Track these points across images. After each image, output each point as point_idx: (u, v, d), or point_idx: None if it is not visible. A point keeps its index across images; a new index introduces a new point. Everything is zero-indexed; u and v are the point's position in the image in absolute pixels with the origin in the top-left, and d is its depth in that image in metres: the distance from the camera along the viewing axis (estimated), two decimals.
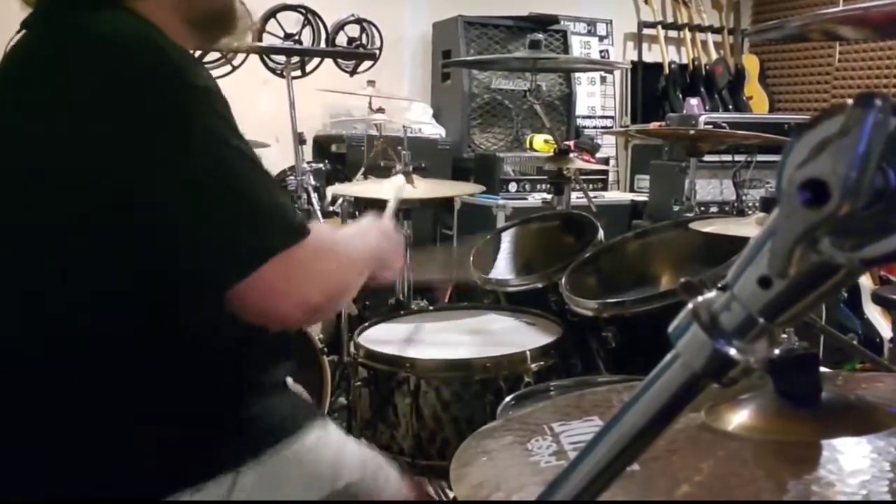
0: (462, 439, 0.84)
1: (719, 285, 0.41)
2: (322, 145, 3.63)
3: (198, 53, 1.07)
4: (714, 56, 4.79)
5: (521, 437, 0.80)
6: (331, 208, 2.81)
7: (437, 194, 2.55)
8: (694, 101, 4.59)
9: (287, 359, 1.09)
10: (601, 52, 4.41)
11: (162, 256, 0.85)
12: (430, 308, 2.07)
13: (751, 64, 4.81)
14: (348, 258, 1.00)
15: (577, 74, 4.13)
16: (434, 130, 3.75)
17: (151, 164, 0.82)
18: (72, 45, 0.88)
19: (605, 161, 3.86)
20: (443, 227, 3.62)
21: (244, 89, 3.15)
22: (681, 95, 4.61)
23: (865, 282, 2.95)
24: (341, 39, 3.39)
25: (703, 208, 3.03)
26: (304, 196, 2.61)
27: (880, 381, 0.86)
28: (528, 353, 1.49)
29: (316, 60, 3.04)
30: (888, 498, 0.58)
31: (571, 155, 2.30)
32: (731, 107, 4.65)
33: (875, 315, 2.96)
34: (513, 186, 3.49)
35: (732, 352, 0.39)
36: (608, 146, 4.32)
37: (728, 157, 2.71)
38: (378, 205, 1.61)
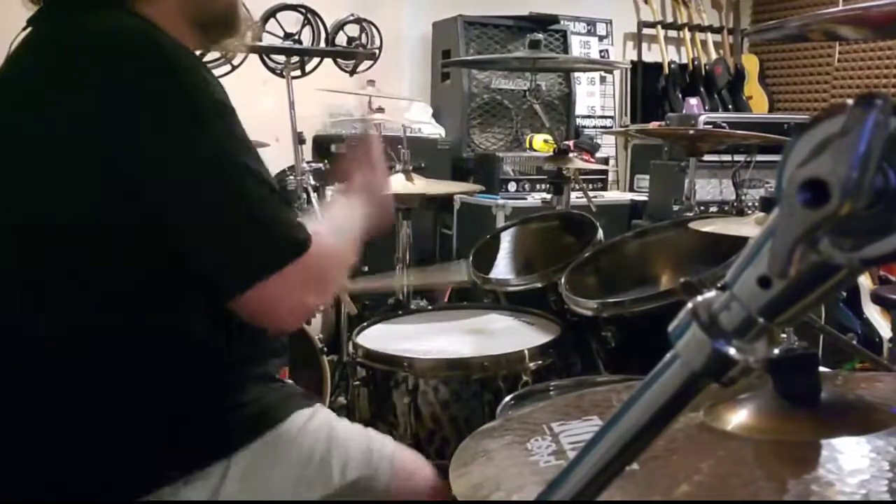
0: (461, 439, 0.84)
1: (719, 285, 0.41)
2: (322, 145, 3.63)
3: (198, 53, 1.07)
4: (714, 56, 4.79)
5: (520, 436, 0.80)
6: None
7: (437, 194, 2.55)
8: (693, 100, 4.59)
9: (280, 356, 1.10)
10: (601, 51, 4.41)
11: (166, 259, 0.86)
12: (430, 308, 2.07)
13: (750, 64, 4.81)
14: (344, 255, 1.02)
15: (576, 74, 4.13)
16: (433, 130, 3.75)
17: (156, 167, 0.83)
18: (76, 45, 0.88)
19: (605, 161, 3.86)
20: (442, 226, 3.62)
21: (244, 89, 3.14)
22: (680, 95, 4.61)
23: (865, 282, 2.95)
24: (341, 39, 3.39)
25: (702, 208, 3.03)
26: (304, 196, 2.60)
27: (879, 380, 0.86)
28: (526, 352, 1.48)
29: (315, 60, 3.04)
30: (887, 497, 0.58)
31: (571, 155, 2.30)
32: (730, 107, 4.65)
33: (874, 315, 2.97)
34: (512, 186, 3.49)
35: (732, 351, 0.39)
36: (608, 146, 4.31)
37: (728, 157, 2.71)
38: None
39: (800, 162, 0.36)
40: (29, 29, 0.94)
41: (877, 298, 2.78)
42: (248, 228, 0.86)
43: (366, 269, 2.37)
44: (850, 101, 0.35)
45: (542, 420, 0.83)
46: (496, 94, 3.81)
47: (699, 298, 0.41)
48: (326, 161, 3.31)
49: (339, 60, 3.27)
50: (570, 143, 3.36)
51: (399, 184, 2.10)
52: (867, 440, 0.65)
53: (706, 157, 2.45)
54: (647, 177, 3.71)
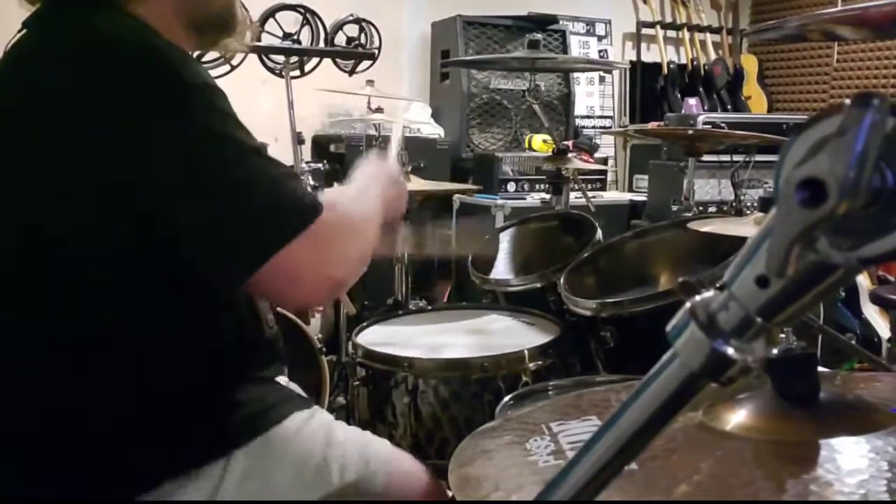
0: (460, 439, 0.84)
1: (717, 285, 0.41)
2: (321, 145, 3.63)
3: (196, 53, 1.07)
4: (713, 56, 4.80)
5: (519, 436, 0.80)
6: None
7: (436, 194, 2.55)
8: (692, 100, 4.59)
9: (279, 359, 1.10)
10: (600, 51, 4.41)
11: (170, 254, 0.85)
12: (429, 308, 2.07)
13: (749, 64, 4.81)
14: (363, 222, 0.99)
15: (575, 74, 4.13)
16: (433, 130, 3.75)
17: (153, 162, 0.83)
18: (70, 45, 0.88)
19: (604, 161, 3.86)
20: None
21: (243, 89, 3.14)
22: (679, 95, 4.61)
23: (863, 282, 2.95)
24: (340, 39, 3.38)
25: (701, 208, 3.03)
26: None
27: (878, 380, 0.86)
28: (526, 352, 1.49)
29: (315, 60, 3.04)
30: (886, 497, 0.58)
31: (570, 155, 2.30)
32: (729, 107, 4.65)
33: (873, 315, 2.97)
34: (511, 186, 3.49)
35: (730, 351, 0.39)
36: (607, 146, 4.31)
37: (726, 157, 2.71)
38: None
39: (797, 161, 0.36)
40: (24, 31, 0.93)
41: (875, 298, 2.78)
42: (252, 206, 0.84)
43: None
44: (847, 101, 0.35)
45: (541, 420, 0.83)
46: (495, 94, 3.81)
47: (697, 298, 0.41)
48: (325, 161, 3.31)
49: (338, 60, 3.27)
50: (569, 143, 3.35)
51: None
52: (866, 440, 0.65)
53: (705, 158, 2.46)
54: (646, 177, 3.71)
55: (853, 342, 1.87)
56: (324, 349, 2.25)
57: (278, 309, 1.73)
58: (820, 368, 0.72)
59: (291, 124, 2.58)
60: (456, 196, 3.42)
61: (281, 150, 3.03)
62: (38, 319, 0.88)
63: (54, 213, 0.85)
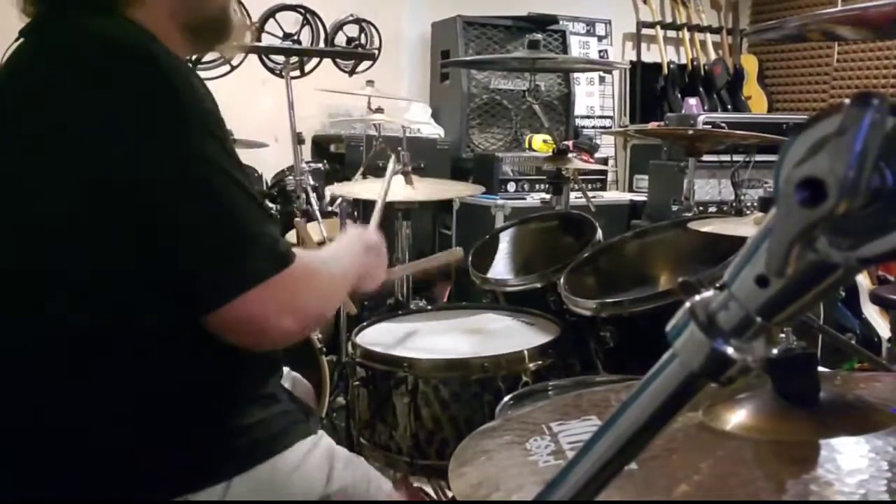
0: (460, 439, 0.84)
1: (717, 285, 0.41)
2: (321, 145, 3.63)
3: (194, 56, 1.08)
4: (713, 56, 4.80)
5: (519, 436, 0.80)
6: (329, 208, 2.80)
7: (436, 195, 2.55)
8: (692, 100, 4.59)
9: (279, 371, 1.10)
10: (600, 52, 4.41)
11: (155, 265, 0.85)
12: (429, 308, 2.07)
13: (749, 64, 4.81)
14: (330, 283, 1.01)
15: (575, 74, 4.13)
16: (433, 130, 3.75)
17: (145, 174, 0.83)
18: (70, 50, 0.88)
19: (604, 161, 3.86)
20: (441, 227, 3.62)
21: (243, 89, 3.15)
22: (679, 95, 4.61)
23: (863, 281, 2.96)
24: (340, 39, 3.39)
25: (701, 208, 3.04)
26: (303, 196, 2.60)
27: (878, 380, 0.87)
28: (526, 352, 1.48)
29: (315, 60, 3.05)
30: (886, 497, 0.58)
31: (570, 155, 2.30)
32: (729, 107, 4.66)
33: (873, 315, 2.97)
34: (511, 186, 3.49)
35: (730, 351, 0.39)
36: (607, 146, 4.32)
37: (727, 157, 2.71)
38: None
39: (797, 161, 0.36)
40: (21, 40, 0.93)
41: (875, 298, 2.78)
42: (229, 241, 0.85)
43: None
44: (847, 101, 0.35)
45: (541, 420, 0.83)
46: (495, 94, 3.82)
47: (697, 298, 0.41)
48: (325, 161, 3.31)
49: (338, 61, 3.28)
50: (570, 143, 3.36)
51: (398, 185, 2.10)
52: (866, 440, 0.65)
53: (705, 158, 2.46)
54: (646, 177, 3.71)
55: (853, 342, 1.87)
56: (324, 349, 2.25)
57: None
58: (820, 368, 0.72)
59: (291, 124, 2.58)
60: (456, 197, 3.42)
61: (281, 150, 3.03)
62: (37, 319, 0.88)
63: (54, 214, 0.85)
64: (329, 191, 2.78)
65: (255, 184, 3.01)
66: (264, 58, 2.95)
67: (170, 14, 0.95)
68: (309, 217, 2.57)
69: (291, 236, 2.33)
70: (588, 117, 4.40)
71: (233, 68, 2.78)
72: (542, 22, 3.93)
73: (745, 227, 1.47)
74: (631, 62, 4.63)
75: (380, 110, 2.90)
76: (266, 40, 3.00)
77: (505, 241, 2.22)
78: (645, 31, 4.74)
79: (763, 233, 0.38)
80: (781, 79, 4.87)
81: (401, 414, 1.48)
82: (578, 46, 4.30)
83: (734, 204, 2.16)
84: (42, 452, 0.87)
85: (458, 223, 3.52)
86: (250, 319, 0.86)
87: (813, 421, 0.68)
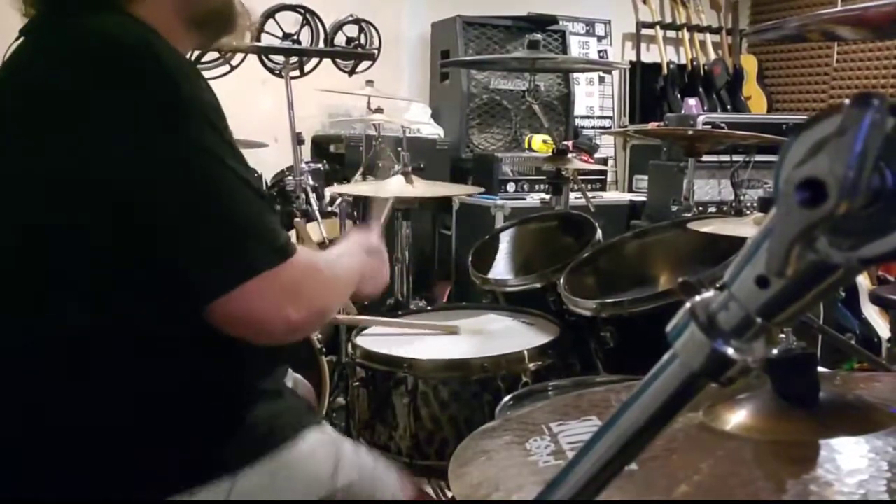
0: (460, 439, 0.84)
1: (717, 285, 0.41)
2: (320, 145, 3.63)
3: (196, 53, 1.07)
4: (712, 56, 4.80)
5: (519, 436, 0.80)
6: (329, 208, 2.80)
7: (436, 194, 2.55)
8: (692, 101, 4.59)
9: (284, 363, 1.10)
10: (599, 52, 4.41)
11: (155, 264, 0.85)
12: (429, 308, 2.07)
13: (749, 64, 4.81)
14: (333, 279, 1.01)
15: (575, 74, 4.13)
16: (432, 130, 3.75)
17: (145, 172, 0.83)
18: (72, 47, 0.88)
19: (604, 161, 3.86)
20: (441, 227, 3.62)
21: (243, 89, 3.15)
22: (679, 95, 4.61)
23: (863, 282, 2.96)
24: (340, 39, 3.38)
25: (701, 208, 3.04)
26: (303, 196, 2.60)
27: (878, 380, 0.87)
28: (526, 353, 1.48)
29: (314, 60, 3.04)
30: (886, 497, 0.58)
31: (570, 155, 2.30)
32: (729, 107, 4.66)
33: (873, 315, 2.97)
34: (511, 187, 3.49)
35: (730, 351, 0.39)
36: (606, 146, 4.32)
37: (726, 158, 2.71)
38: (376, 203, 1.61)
39: (797, 162, 0.36)
40: (21, 39, 0.93)
41: (875, 299, 2.78)
42: (232, 232, 0.85)
43: None
44: (847, 101, 0.35)
45: (541, 420, 0.83)
46: (495, 94, 3.82)
47: (697, 298, 0.41)
48: (325, 161, 3.31)
49: (337, 61, 3.27)
50: (569, 143, 3.36)
51: (398, 185, 2.10)
52: (866, 440, 0.65)
53: (705, 158, 2.46)
54: (646, 177, 3.71)
55: (853, 342, 1.87)
56: (323, 349, 2.24)
57: None
58: (820, 368, 0.72)
59: (291, 124, 2.59)
60: (456, 197, 3.42)
61: (280, 150, 3.03)
62: (37, 319, 0.88)
63: (54, 213, 0.85)
64: (329, 191, 2.78)
65: (255, 184, 3.01)
66: (264, 58, 2.95)
67: (173, 9, 0.95)
68: (309, 217, 2.57)
69: (291, 236, 2.33)
70: (588, 117, 4.40)
71: (232, 68, 2.77)
72: (542, 22, 3.93)
73: (744, 228, 1.47)
74: (630, 62, 4.63)
75: (379, 110, 2.90)
76: (266, 40, 2.99)
77: (505, 242, 2.22)
78: (644, 31, 4.74)
79: (763, 233, 0.38)
80: (781, 79, 4.87)
81: (400, 414, 1.48)
82: (578, 46, 4.30)
83: (734, 204, 2.16)
84: (42, 452, 0.87)
85: (457, 223, 3.52)
86: (250, 311, 0.85)
87: (813, 421, 0.68)
